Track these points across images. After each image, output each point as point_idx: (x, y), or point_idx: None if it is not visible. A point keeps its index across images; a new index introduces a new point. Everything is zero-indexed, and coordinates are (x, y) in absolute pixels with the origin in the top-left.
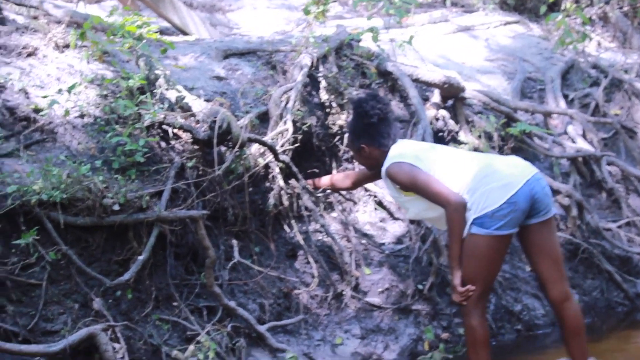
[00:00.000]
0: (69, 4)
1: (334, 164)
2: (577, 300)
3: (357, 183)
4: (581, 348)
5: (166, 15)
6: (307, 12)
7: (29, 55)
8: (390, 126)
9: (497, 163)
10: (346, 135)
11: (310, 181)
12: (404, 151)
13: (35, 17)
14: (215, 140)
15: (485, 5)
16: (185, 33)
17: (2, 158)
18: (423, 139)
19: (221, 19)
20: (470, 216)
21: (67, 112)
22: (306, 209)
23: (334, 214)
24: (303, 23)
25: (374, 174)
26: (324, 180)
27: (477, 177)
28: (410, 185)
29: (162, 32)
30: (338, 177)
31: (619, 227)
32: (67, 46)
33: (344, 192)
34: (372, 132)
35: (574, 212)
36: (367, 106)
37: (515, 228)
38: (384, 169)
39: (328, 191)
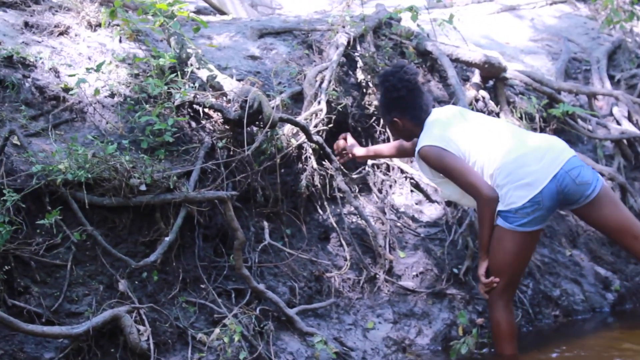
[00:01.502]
0: None
1: (370, 145)
2: None
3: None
4: None
5: None
6: None
7: (61, 34)
8: (422, 97)
9: (528, 151)
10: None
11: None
12: (434, 131)
13: None
14: (245, 120)
15: None
16: (222, 13)
17: (31, 137)
18: None
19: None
20: (497, 207)
21: (97, 92)
22: (339, 190)
23: (370, 196)
24: (343, 3)
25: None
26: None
27: (506, 167)
28: (442, 171)
29: (199, 11)
30: (389, 145)
31: None
32: (99, 25)
33: (380, 174)
34: (402, 104)
35: (617, 194)
36: (393, 79)
37: (541, 224)
38: (417, 149)
39: (364, 172)
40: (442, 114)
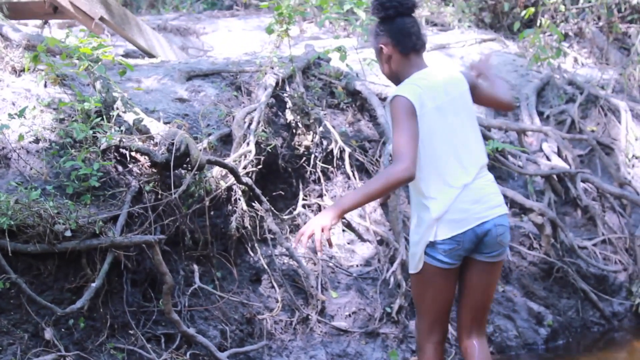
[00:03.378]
0: (35, 29)
1: (300, 186)
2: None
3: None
4: None
5: (132, 38)
6: (270, 31)
7: None
8: (414, 25)
9: (470, 187)
10: (313, 156)
11: None
12: (411, 81)
13: None
14: (172, 163)
15: (461, 23)
16: (151, 56)
17: None
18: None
19: (195, 42)
20: (421, 234)
21: (21, 137)
22: (270, 231)
23: None
24: (271, 44)
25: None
26: None
27: (444, 195)
28: (393, 124)
29: (127, 55)
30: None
31: (595, 245)
32: (24, 70)
33: (311, 214)
34: (390, 28)
35: (548, 230)
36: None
37: (456, 262)
38: (389, 97)
39: (295, 213)
40: (431, 78)
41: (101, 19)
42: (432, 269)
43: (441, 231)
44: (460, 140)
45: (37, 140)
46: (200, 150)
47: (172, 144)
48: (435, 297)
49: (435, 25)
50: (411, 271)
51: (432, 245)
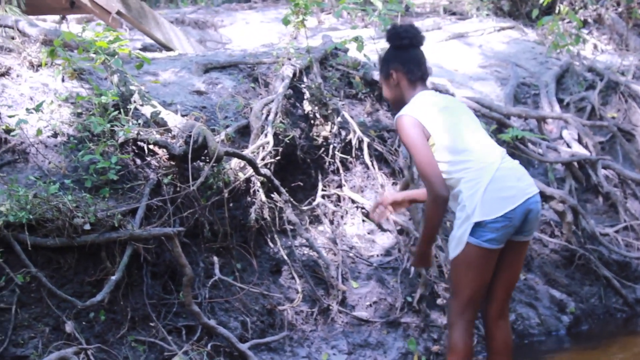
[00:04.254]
0: (53, 24)
1: (319, 176)
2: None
3: None
4: None
5: (149, 32)
6: (286, 22)
7: (2, 75)
8: (422, 57)
9: (507, 166)
10: (331, 146)
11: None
12: (417, 103)
13: (13, 38)
14: (190, 155)
15: (479, 12)
16: (169, 49)
17: None
18: None
19: (213, 35)
20: (463, 217)
21: (39, 132)
22: (290, 222)
23: (321, 228)
24: (289, 35)
25: None
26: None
27: (482, 174)
28: (406, 146)
29: (145, 48)
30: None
31: (617, 232)
32: (41, 65)
33: (331, 205)
34: (403, 56)
35: (569, 217)
36: (400, 29)
37: (503, 243)
38: (396, 116)
39: (314, 204)
40: (435, 97)
41: (118, 13)
42: (477, 251)
43: (492, 209)
44: (474, 131)
45: (55, 135)
46: (218, 142)
47: (190, 136)
48: (475, 279)
49: (454, 14)
50: (453, 254)
51: (480, 225)
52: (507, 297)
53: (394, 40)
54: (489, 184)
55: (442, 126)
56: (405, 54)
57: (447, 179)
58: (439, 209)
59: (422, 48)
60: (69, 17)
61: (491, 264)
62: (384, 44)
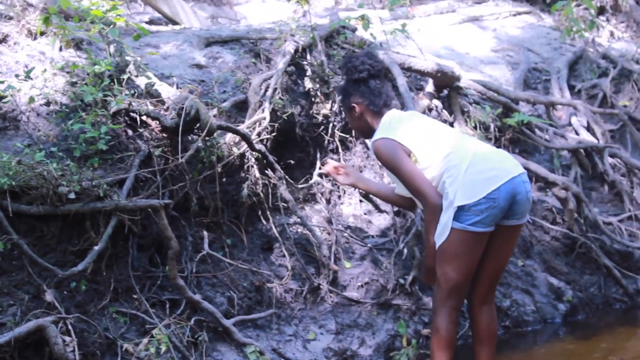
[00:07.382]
0: None
1: (318, 155)
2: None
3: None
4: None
5: (156, 5)
6: None
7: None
8: (383, 85)
9: (487, 152)
10: (331, 125)
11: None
12: (391, 125)
13: (14, 6)
14: (181, 128)
15: None
16: (175, 23)
17: None
18: None
19: (229, 12)
20: (447, 204)
21: (32, 99)
22: (283, 200)
23: (317, 207)
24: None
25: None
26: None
27: (464, 161)
28: (392, 169)
29: (152, 21)
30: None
31: (620, 221)
32: (42, 33)
33: (328, 184)
34: (362, 88)
35: (571, 204)
36: (356, 61)
37: (491, 227)
38: (371, 141)
39: (311, 182)
40: (400, 113)
41: None
42: (463, 236)
43: (474, 192)
44: (446, 132)
45: (48, 103)
46: (211, 116)
47: (182, 108)
48: (461, 266)
49: None
50: (439, 242)
51: (463, 209)
52: (493, 284)
53: (351, 74)
54: (467, 167)
55: (418, 138)
56: (364, 87)
57: (436, 185)
58: (436, 217)
59: (381, 77)
60: None
61: (478, 250)
62: (396, 25)
